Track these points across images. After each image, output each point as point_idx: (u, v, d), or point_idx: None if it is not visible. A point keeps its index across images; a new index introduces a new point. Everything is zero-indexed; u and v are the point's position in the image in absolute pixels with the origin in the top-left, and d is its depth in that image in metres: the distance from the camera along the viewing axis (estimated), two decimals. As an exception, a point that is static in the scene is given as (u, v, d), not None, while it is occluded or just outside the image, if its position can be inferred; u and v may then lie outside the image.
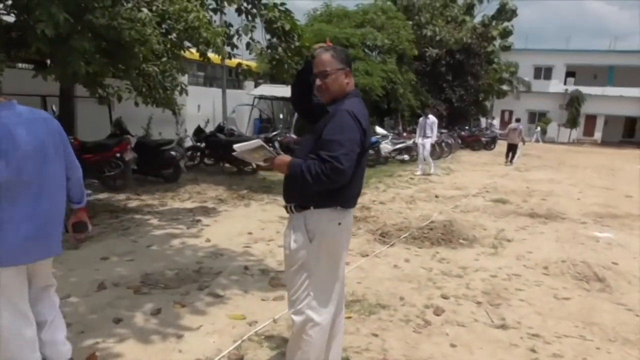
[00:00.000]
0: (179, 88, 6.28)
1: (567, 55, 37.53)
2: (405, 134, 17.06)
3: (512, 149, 16.47)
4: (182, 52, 6.72)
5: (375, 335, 3.36)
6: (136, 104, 6.52)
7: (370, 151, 13.67)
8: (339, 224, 2.38)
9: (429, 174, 12.32)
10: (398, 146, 14.74)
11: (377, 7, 19.63)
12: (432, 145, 13.10)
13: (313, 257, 2.34)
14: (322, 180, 2.15)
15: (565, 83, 38.00)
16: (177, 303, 3.77)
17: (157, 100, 6.20)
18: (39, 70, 5.56)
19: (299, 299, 2.38)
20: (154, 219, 6.44)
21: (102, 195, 7.82)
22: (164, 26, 6.21)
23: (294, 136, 13.09)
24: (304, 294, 2.37)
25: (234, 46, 7.85)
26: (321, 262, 2.36)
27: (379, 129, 15.69)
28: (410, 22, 20.44)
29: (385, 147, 14.20)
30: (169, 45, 5.97)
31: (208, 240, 5.56)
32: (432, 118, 12.61)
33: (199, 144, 11.26)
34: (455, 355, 3.17)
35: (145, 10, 5.38)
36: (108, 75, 5.93)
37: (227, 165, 11.35)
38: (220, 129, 11.50)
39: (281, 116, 14.48)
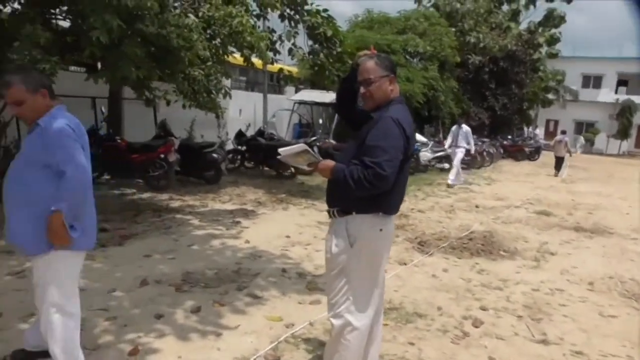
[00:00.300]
0: (222, 91, 6.43)
1: (619, 63, 36.04)
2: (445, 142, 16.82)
3: (560, 161, 16.24)
4: (226, 56, 6.87)
5: (412, 344, 3.33)
6: (183, 106, 6.72)
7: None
8: (380, 230, 2.38)
9: (449, 185, 11.58)
10: (438, 154, 14.54)
11: (419, 14, 19.51)
12: (466, 156, 12.58)
13: (353, 262, 2.35)
14: (364, 186, 2.17)
15: (616, 92, 36.54)
16: (217, 302, 3.84)
17: (200, 103, 6.36)
18: (91, 73, 5.80)
19: (338, 303, 2.39)
20: (195, 219, 6.59)
21: (145, 195, 8.06)
22: (208, 31, 6.37)
23: (333, 141, 13.13)
24: (343, 298, 2.38)
25: (276, 52, 7.97)
26: (361, 267, 2.36)
27: (419, 137, 15.52)
28: (453, 29, 20.20)
29: (425, 155, 14.05)
30: (213, 50, 6.13)
31: (247, 242, 5.65)
32: (465, 127, 12.16)
33: (239, 147, 11.45)
34: (493, 368, 3.10)
35: (191, 16, 5.55)
36: (155, 78, 6.12)
37: (266, 168, 11.52)
38: (260, 133, 11.66)
39: (320, 121, 14.57)
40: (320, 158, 2.43)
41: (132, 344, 3.09)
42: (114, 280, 4.14)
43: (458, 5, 21.15)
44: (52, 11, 5.88)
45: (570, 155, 16.72)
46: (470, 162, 15.99)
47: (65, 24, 6.64)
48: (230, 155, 11.24)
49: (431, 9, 20.98)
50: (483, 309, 4.10)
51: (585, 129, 36.48)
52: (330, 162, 2.35)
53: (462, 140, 11.91)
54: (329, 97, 14.59)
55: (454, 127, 12.48)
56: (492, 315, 3.98)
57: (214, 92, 6.64)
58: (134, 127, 10.11)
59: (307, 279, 4.55)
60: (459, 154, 11.90)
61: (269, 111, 14.89)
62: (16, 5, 5.79)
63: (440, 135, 19.02)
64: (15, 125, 7.59)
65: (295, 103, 15.27)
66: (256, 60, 7.73)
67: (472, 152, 12.46)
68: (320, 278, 4.59)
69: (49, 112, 2.45)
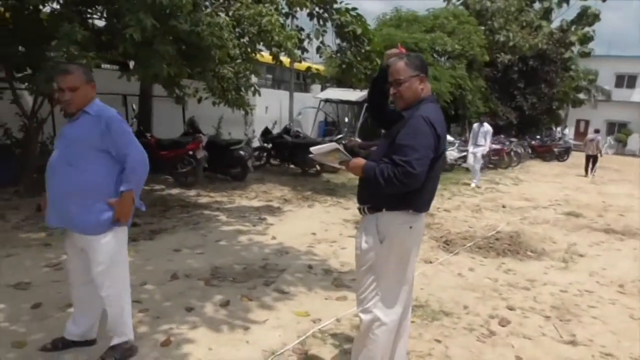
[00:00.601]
0: (252, 89, 6.53)
1: (655, 62, 35.01)
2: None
3: (591, 160, 16.13)
4: (254, 54, 6.96)
5: (438, 341, 3.34)
6: (213, 103, 6.85)
7: (436, 158, 13.50)
8: (410, 227, 2.40)
9: (468, 184, 11.55)
10: (464, 154, 14.39)
11: (448, 12, 19.29)
12: (483, 156, 12.17)
13: (383, 259, 2.39)
14: (395, 184, 2.20)
15: (651, 92, 35.48)
16: (245, 296, 3.92)
17: (230, 101, 6.47)
18: (124, 71, 5.95)
19: (367, 298, 2.43)
20: (223, 215, 6.70)
21: (174, 191, 8.23)
22: (237, 30, 6.46)
23: (358, 140, 13.14)
24: (372, 293, 2.42)
25: (304, 50, 8.03)
26: (390, 264, 2.39)
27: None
28: (483, 27, 19.92)
29: (452, 154, 13.92)
30: (243, 48, 6.22)
31: (274, 238, 5.73)
32: (486, 126, 11.74)
33: (266, 144, 11.57)
34: (520, 368, 3.09)
35: (222, 15, 5.65)
36: (185, 76, 6.26)
37: (292, 166, 11.61)
38: (286, 130, 11.76)
39: (346, 120, 14.58)
40: (351, 157, 2.45)
41: (164, 335, 3.19)
42: (145, 273, 4.26)
43: (488, 3, 20.86)
44: (89, 10, 6.06)
45: (601, 155, 16.54)
46: (498, 162, 15.79)
47: (101, 23, 6.84)
48: (257, 153, 11.36)
49: (460, 7, 20.72)
50: (510, 308, 4.08)
51: (618, 129, 35.51)
52: (361, 161, 2.39)
53: (481, 138, 11.58)
54: (355, 95, 14.61)
55: (475, 125, 12.10)
56: (519, 315, 3.96)
57: (242, 89, 6.74)
58: (163, 124, 10.33)
59: (333, 276, 4.60)
60: (479, 154, 11.61)
61: (294, 109, 14.97)
62: (55, 5, 5.99)
63: (467, 135, 18.82)
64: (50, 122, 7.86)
65: (321, 101, 15.32)
66: (284, 59, 7.81)
67: (485, 152, 11.96)
68: (347, 275, 4.64)
69: (92, 102, 2.65)
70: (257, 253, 5.15)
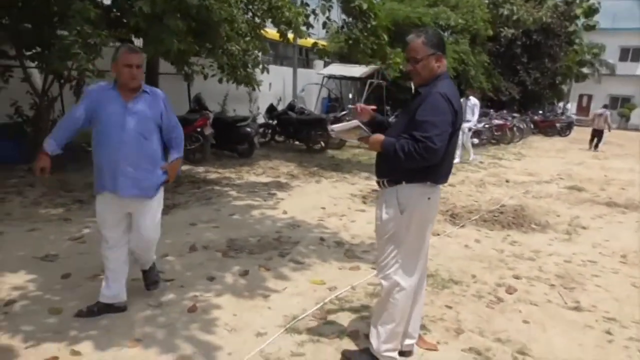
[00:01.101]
0: (260, 66, 6.59)
1: (661, 35, 34.62)
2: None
3: (597, 134, 16.30)
4: (262, 32, 7.00)
5: (449, 307, 3.51)
6: (219, 80, 6.91)
7: (439, 133, 13.58)
8: (429, 198, 2.53)
9: (467, 162, 11.16)
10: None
11: (451, -15, 19.05)
12: (470, 129, 11.59)
13: (403, 228, 2.53)
14: (415, 159, 2.33)
15: (656, 66, 35.18)
16: (262, 267, 4.09)
17: (238, 78, 6.53)
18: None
19: (388, 265, 2.58)
20: (233, 191, 6.84)
21: (184, 167, 8.34)
22: (245, 6, 6.49)
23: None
24: (393, 261, 2.57)
25: (309, 25, 8.04)
26: (410, 233, 2.54)
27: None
28: (486, 1, 19.72)
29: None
30: (251, 25, 6.26)
31: (285, 213, 5.87)
32: (473, 100, 11.24)
33: (270, 121, 11.64)
34: (528, 331, 3.26)
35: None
36: (194, 52, 6.31)
37: (296, 142, 11.70)
38: (291, 107, 11.80)
39: (350, 96, 14.58)
40: (370, 133, 2.56)
41: (190, 302, 3.36)
42: (165, 246, 4.40)
43: (492, -24, 20.58)
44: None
45: (609, 131, 16.80)
46: (501, 138, 15.85)
47: (107, 0, 6.86)
48: (261, 130, 11.43)
49: (463, -20, 20.43)
50: (516, 277, 4.25)
51: (621, 104, 35.35)
52: (380, 136, 2.50)
53: (469, 113, 11.03)
54: (358, 70, 14.57)
55: (461, 100, 11.90)
56: (525, 284, 4.13)
57: (250, 67, 6.80)
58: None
59: (345, 247, 4.76)
60: (466, 130, 11.05)
61: (298, 85, 14.96)
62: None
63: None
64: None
65: (324, 77, 15.31)
66: (290, 35, 7.83)
67: (472, 127, 11.47)
68: (358, 247, 4.80)
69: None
70: (270, 226, 5.30)
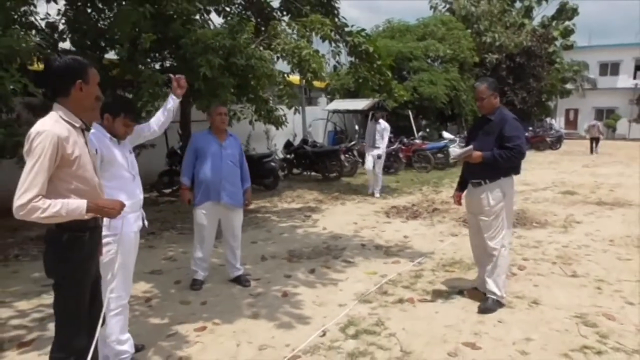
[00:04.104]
0: (293, 109, 7.77)
1: (635, 49, 36.48)
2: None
3: (594, 141, 20.78)
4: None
5: (475, 280, 4.56)
6: (250, 122, 8.07)
7: (440, 155, 14.77)
8: (514, 185, 3.93)
9: (373, 194, 9.79)
10: (465, 149, 15.62)
11: (437, 20, 20.68)
12: (380, 157, 9.79)
13: (505, 207, 3.85)
14: (512, 160, 3.74)
15: (634, 77, 36.96)
16: (323, 266, 5.15)
17: (272, 120, 7.69)
18: (192, 101, 7.19)
19: (497, 234, 3.88)
20: (274, 216, 7.92)
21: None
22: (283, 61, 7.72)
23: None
24: (499, 230, 3.88)
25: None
26: (508, 210, 3.88)
27: (446, 134, 16.75)
28: (470, 31, 21.31)
29: (454, 150, 15.12)
30: (281, 75, 7.46)
31: (324, 229, 6.95)
32: (383, 123, 9.79)
33: (288, 156, 12.82)
34: (538, 291, 4.32)
35: (266, 50, 6.90)
36: (238, 102, 7.50)
37: (312, 173, 12.84)
38: (305, 141, 13.03)
39: (356, 127, 15.81)
40: (472, 151, 3.84)
41: (279, 292, 4.40)
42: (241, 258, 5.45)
43: (473, 8, 22.28)
44: (157, 55, 7.32)
45: (603, 136, 21.31)
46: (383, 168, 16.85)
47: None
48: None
49: (447, 14, 22.13)
50: (525, 259, 5.31)
51: (606, 115, 36.93)
52: (479, 152, 3.80)
53: (379, 139, 9.73)
54: (360, 104, 15.89)
55: (369, 124, 10.14)
56: (532, 263, 5.19)
57: (279, 109, 7.99)
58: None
59: (383, 249, 5.82)
60: (376, 156, 9.71)
61: (306, 122, 16.24)
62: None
63: (465, 132, 20.18)
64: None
65: (329, 112, 16.61)
66: (294, 77, 9.03)
67: (382, 154, 9.83)
68: (393, 248, 5.87)
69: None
70: (316, 239, 6.36)
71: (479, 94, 3.88)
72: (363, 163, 11.22)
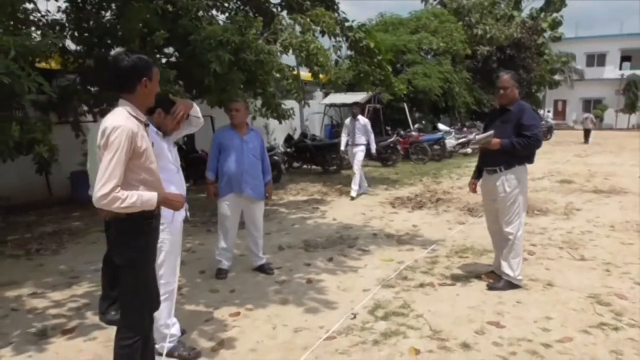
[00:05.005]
0: (302, 102, 7.87)
1: (621, 40, 37.15)
2: (465, 129, 18.22)
3: (587, 132, 22.20)
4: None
5: (490, 265, 4.76)
6: (253, 117, 8.17)
7: (436, 146, 14.99)
8: (527, 172, 4.16)
9: (352, 198, 8.87)
10: (461, 140, 15.89)
11: (429, 13, 20.86)
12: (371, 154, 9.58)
13: (520, 193, 4.06)
14: (529, 147, 3.94)
15: (620, 68, 37.58)
16: (340, 254, 5.31)
17: (279, 113, 7.81)
18: (201, 97, 7.28)
19: (513, 218, 4.09)
20: (282, 208, 8.06)
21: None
22: (285, 55, 7.82)
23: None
24: (515, 215, 4.09)
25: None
26: (523, 195, 4.09)
27: (441, 126, 16.99)
28: (461, 23, 21.52)
29: (450, 142, 15.42)
30: (289, 70, 7.58)
31: (334, 219, 7.11)
32: (362, 120, 9.23)
33: (289, 149, 12.94)
34: (550, 274, 4.53)
35: (276, 45, 7.01)
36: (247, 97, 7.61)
37: (312, 167, 12.99)
38: (304, 135, 13.17)
39: (352, 120, 15.95)
40: (490, 138, 4.00)
41: (303, 279, 4.56)
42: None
43: (464, 1, 22.48)
44: (165, 52, 7.39)
45: (594, 127, 22.83)
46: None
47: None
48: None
49: (438, 7, 22.31)
50: (533, 245, 5.52)
51: (593, 106, 37.52)
52: (497, 140, 3.96)
53: (360, 136, 9.13)
54: (357, 97, 16.04)
55: (347, 120, 9.50)
56: (540, 249, 5.40)
57: (284, 104, 8.12)
58: (199, 140, 11.67)
59: (395, 238, 6.00)
60: (359, 155, 9.10)
61: (304, 116, 16.35)
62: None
63: (459, 123, 20.48)
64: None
65: (326, 106, 16.74)
66: (307, 74, 9.15)
67: (373, 151, 9.46)
68: (404, 237, 6.05)
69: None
70: (328, 230, 6.52)
71: (503, 82, 4.02)
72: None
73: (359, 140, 9.14)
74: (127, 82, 2.25)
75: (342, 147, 9.73)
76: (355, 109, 9.44)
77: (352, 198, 8.86)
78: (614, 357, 3.03)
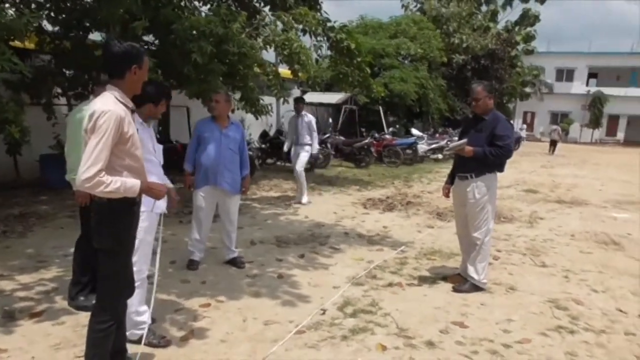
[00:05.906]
0: (282, 99, 7.88)
1: (589, 57, 38.53)
2: (438, 135, 18.56)
3: (553, 143, 23.56)
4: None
5: (456, 267, 4.91)
6: (233, 111, 8.14)
7: (408, 151, 15.23)
8: (497, 181, 4.28)
9: (300, 203, 8.14)
10: (433, 146, 16.20)
11: (409, 19, 21.19)
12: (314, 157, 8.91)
13: (489, 200, 4.21)
14: (501, 157, 4.08)
15: (587, 84, 38.95)
16: (312, 251, 5.38)
17: (258, 108, 7.81)
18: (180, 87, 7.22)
19: (481, 224, 4.25)
20: (255, 203, 8.08)
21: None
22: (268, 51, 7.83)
23: (342, 137, 14.76)
24: (484, 221, 4.25)
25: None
26: (492, 202, 4.24)
27: (415, 131, 17.24)
28: (439, 31, 21.92)
29: (422, 147, 15.69)
30: (271, 66, 7.61)
31: (306, 217, 7.18)
32: (308, 116, 8.41)
33: (264, 145, 12.93)
34: (513, 278, 4.73)
35: (257, 40, 7.02)
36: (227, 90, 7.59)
37: (287, 164, 13.00)
38: (280, 132, 13.18)
39: (330, 120, 16.07)
40: (465, 145, 4.14)
41: (274, 274, 4.61)
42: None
43: (443, 9, 22.91)
44: (145, 39, 7.31)
45: (560, 140, 23.63)
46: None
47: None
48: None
49: (418, 14, 22.66)
50: (498, 250, 5.72)
51: (560, 119, 38.76)
52: (470, 147, 4.09)
53: (305, 135, 8.24)
54: (333, 97, 16.17)
55: (290, 118, 8.74)
56: (505, 254, 5.61)
57: (262, 99, 8.14)
58: (174, 131, 11.57)
59: (366, 238, 6.11)
60: (303, 156, 8.24)
61: (280, 113, 16.36)
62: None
63: (431, 129, 20.85)
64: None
65: (302, 104, 16.77)
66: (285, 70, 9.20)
67: (315, 152, 8.57)
68: (375, 237, 6.17)
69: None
70: (300, 227, 6.59)
71: (476, 94, 4.17)
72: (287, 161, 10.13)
73: (303, 139, 8.23)
74: (117, 68, 2.27)
75: (285, 149, 8.84)
76: (299, 104, 8.41)
77: (302, 203, 8.13)
78: (569, 359, 3.20)
